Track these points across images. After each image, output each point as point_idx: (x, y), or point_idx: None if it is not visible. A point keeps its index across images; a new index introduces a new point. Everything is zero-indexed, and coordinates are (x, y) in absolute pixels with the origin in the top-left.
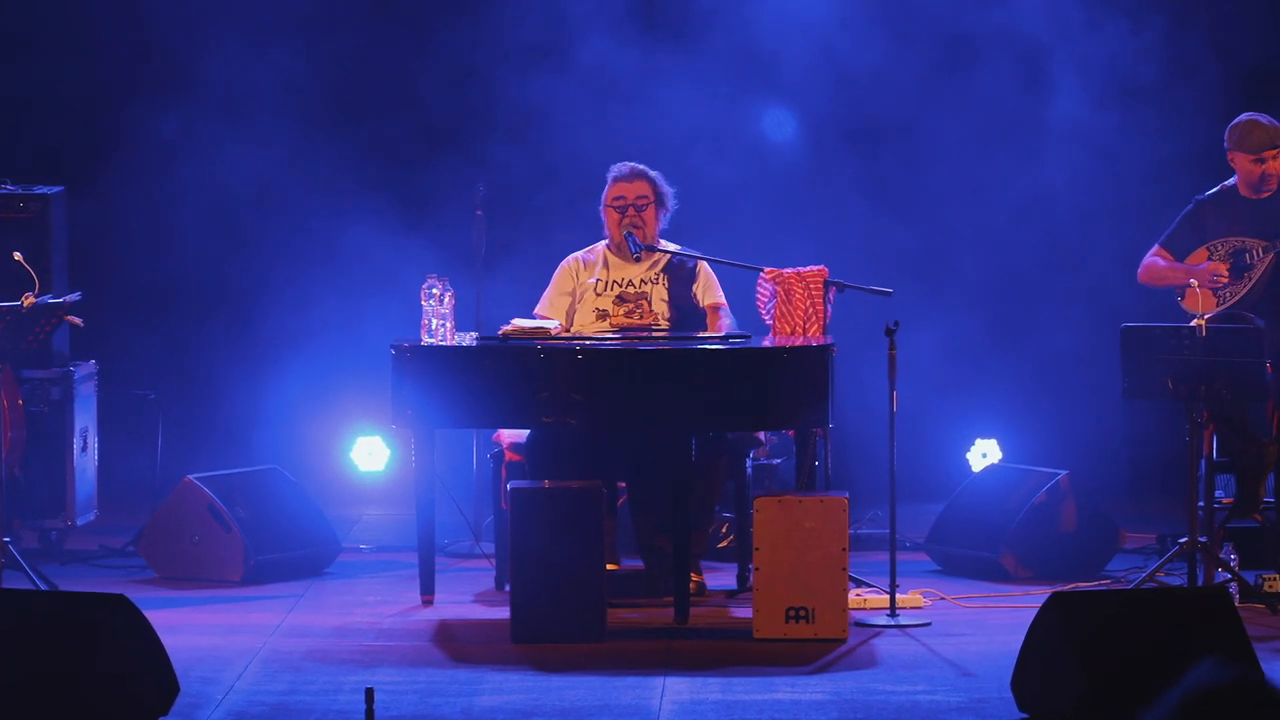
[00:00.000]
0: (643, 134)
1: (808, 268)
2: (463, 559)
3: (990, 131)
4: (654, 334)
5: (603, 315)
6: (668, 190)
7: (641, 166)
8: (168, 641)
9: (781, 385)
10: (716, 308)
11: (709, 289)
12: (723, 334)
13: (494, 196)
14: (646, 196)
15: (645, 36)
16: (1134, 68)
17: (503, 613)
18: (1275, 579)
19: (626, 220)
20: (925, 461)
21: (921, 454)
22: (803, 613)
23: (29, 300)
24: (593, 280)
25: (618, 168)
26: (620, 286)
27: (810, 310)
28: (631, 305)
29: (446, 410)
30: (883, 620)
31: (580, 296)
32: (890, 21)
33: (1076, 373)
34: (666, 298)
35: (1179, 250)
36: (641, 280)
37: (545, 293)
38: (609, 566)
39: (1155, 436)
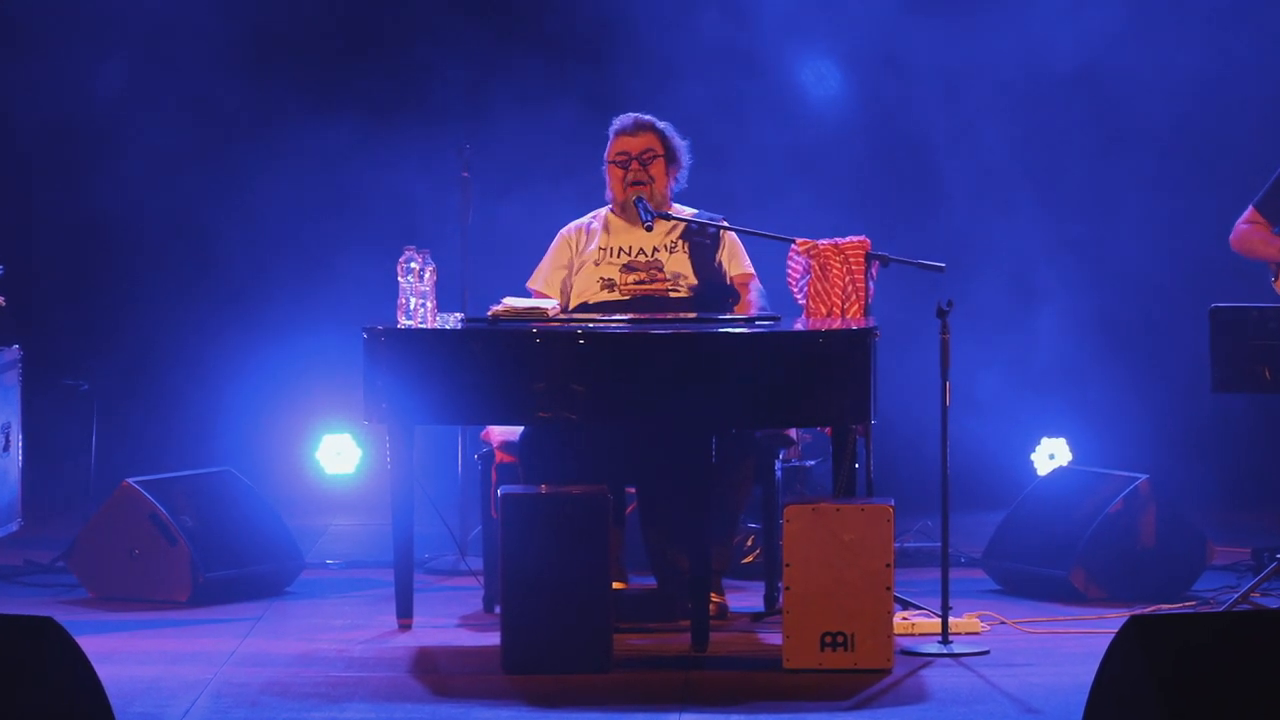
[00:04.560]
0: (657, 87)
1: (847, 239)
2: (446, 576)
3: (1064, 92)
4: (670, 301)
5: (609, 285)
6: (680, 144)
7: (648, 118)
8: (103, 672)
9: (816, 375)
10: (747, 279)
11: (736, 257)
12: (748, 316)
13: (481, 156)
14: (654, 150)
15: None
16: (1221, 29)
17: (492, 639)
18: None
19: (630, 175)
20: (983, 464)
21: (979, 455)
22: (840, 639)
23: None
24: (592, 248)
25: (620, 119)
26: (628, 254)
27: (850, 288)
28: (643, 273)
29: (427, 403)
30: (933, 648)
31: (578, 268)
32: None
33: (1159, 361)
34: (689, 267)
35: (1276, 215)
36: (655, 248)
37: (540, 263)
38: (616, 585)
39: (1250, 435)
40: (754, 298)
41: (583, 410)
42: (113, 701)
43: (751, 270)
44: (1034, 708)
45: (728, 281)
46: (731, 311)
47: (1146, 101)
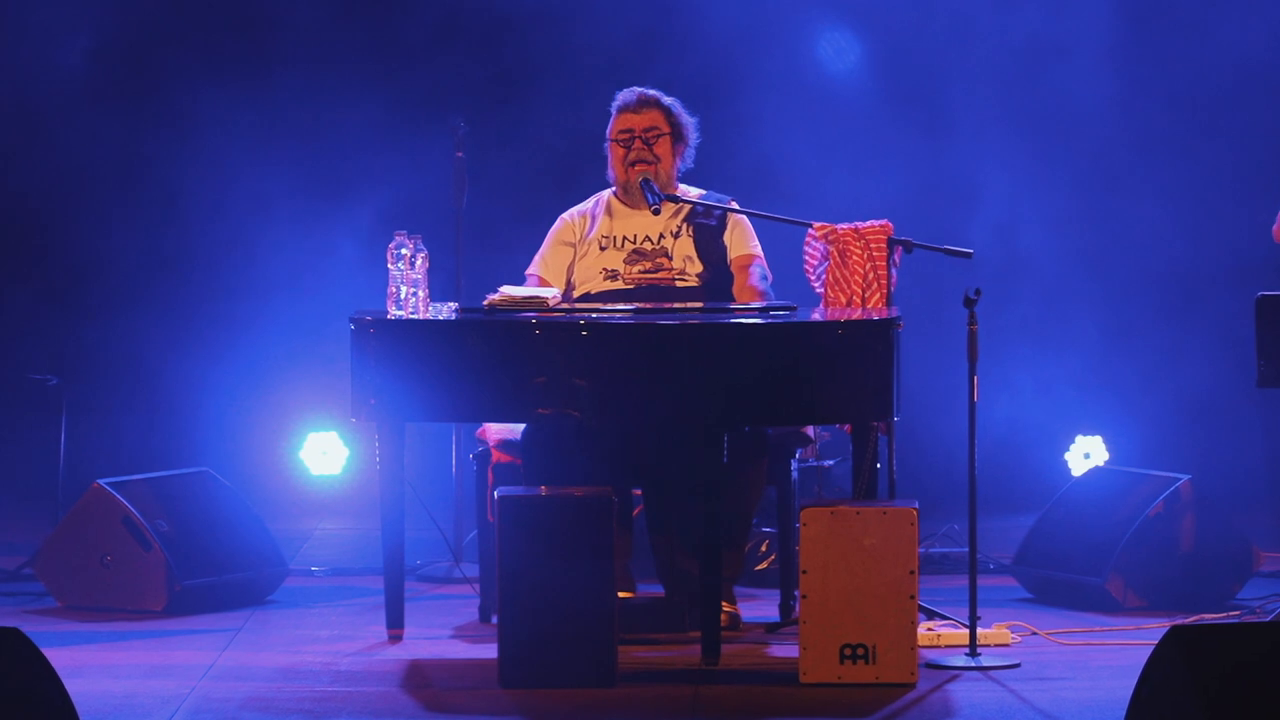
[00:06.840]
0: (666, 60)
1: (868, 223)
2: (439, 584)
3: (1101, 76)
4: (676, 290)
5: (612, 275)
6: (688, 120)
7: (653, 93)
8: (72, 686)
9: (835, 368)
10: (749, 261)
11: (740, 237)
12: (762, 305)
13: (477, 135)
14: (658, 128)
15: None
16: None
17: (489, 651)
18: None
19: (634, 155)
20: (1013, 463)
21: (1009, 454)
22: (860, 651)
23: None
24: (593, 234)
25: (624, 95)
26: (633, 242)
27: (871, 275)
28: (649, 263)
29: (419, 399)
30: (960, 661)
31: (582, 254)
32: None
33: (1200, 355)
34: (694, 252)
35: None
36: (660, 234)
37: (540, 250)
38: (621, 594)
39: None
40: (755, 282)
41: (586, 406)
42: (83, 718)
43: (755, 251)
44: None
45: (728, 262)
46: (730, 295)
47: (1185, 89)
